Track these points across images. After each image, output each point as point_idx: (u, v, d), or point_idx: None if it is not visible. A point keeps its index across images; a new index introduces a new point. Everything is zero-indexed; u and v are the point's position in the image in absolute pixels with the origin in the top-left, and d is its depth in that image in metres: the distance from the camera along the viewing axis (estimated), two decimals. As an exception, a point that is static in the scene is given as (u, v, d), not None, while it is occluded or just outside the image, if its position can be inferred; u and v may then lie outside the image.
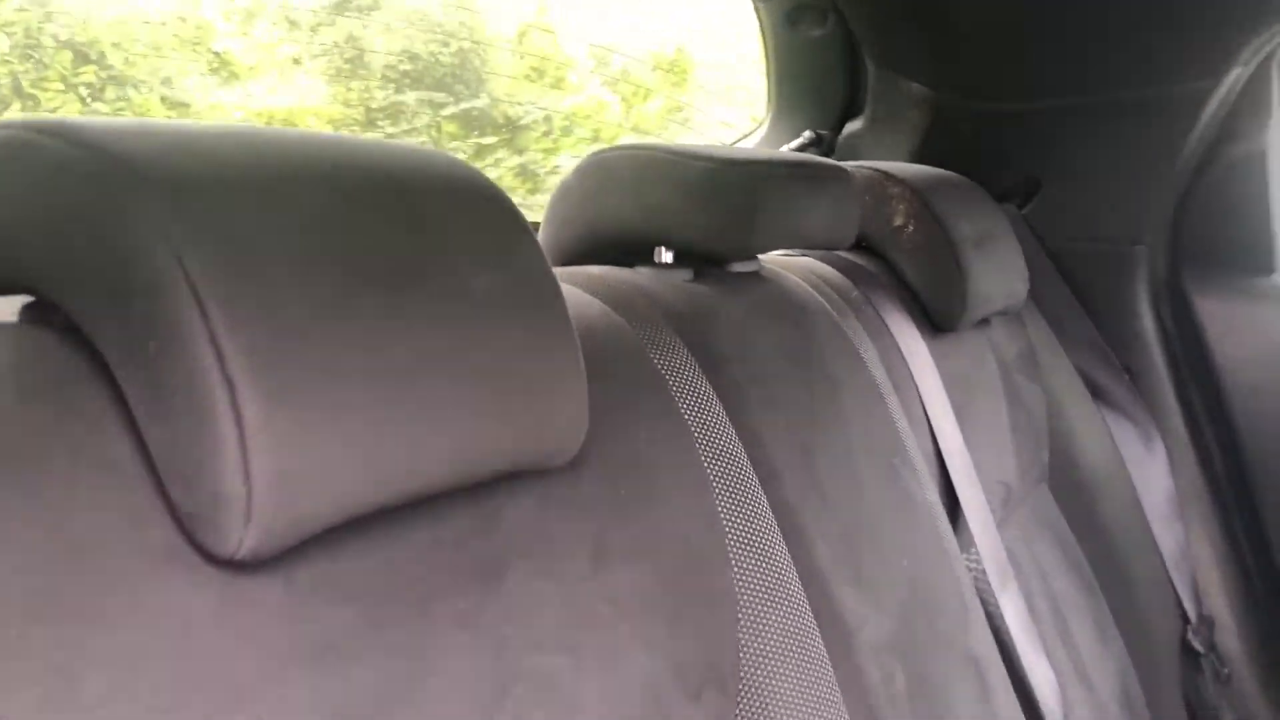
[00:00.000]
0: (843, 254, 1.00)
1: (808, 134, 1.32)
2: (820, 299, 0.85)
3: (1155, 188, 1.26)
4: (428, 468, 0.42)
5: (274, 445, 0.36)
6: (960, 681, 0.76)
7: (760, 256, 0.85)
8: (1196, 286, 1.30)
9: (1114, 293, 1.31)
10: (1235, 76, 1.15)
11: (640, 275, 0.73)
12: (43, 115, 0.40)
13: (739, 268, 0.80)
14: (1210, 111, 1.18)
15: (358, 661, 0.41)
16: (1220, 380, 1.29)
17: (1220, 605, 1.29)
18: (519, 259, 0.47)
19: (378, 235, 0.41)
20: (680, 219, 0.74)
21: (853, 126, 1.32)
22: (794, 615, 0.62)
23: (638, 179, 0.75)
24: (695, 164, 0.73)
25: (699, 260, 0.77)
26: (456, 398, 0.42)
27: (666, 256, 0.77)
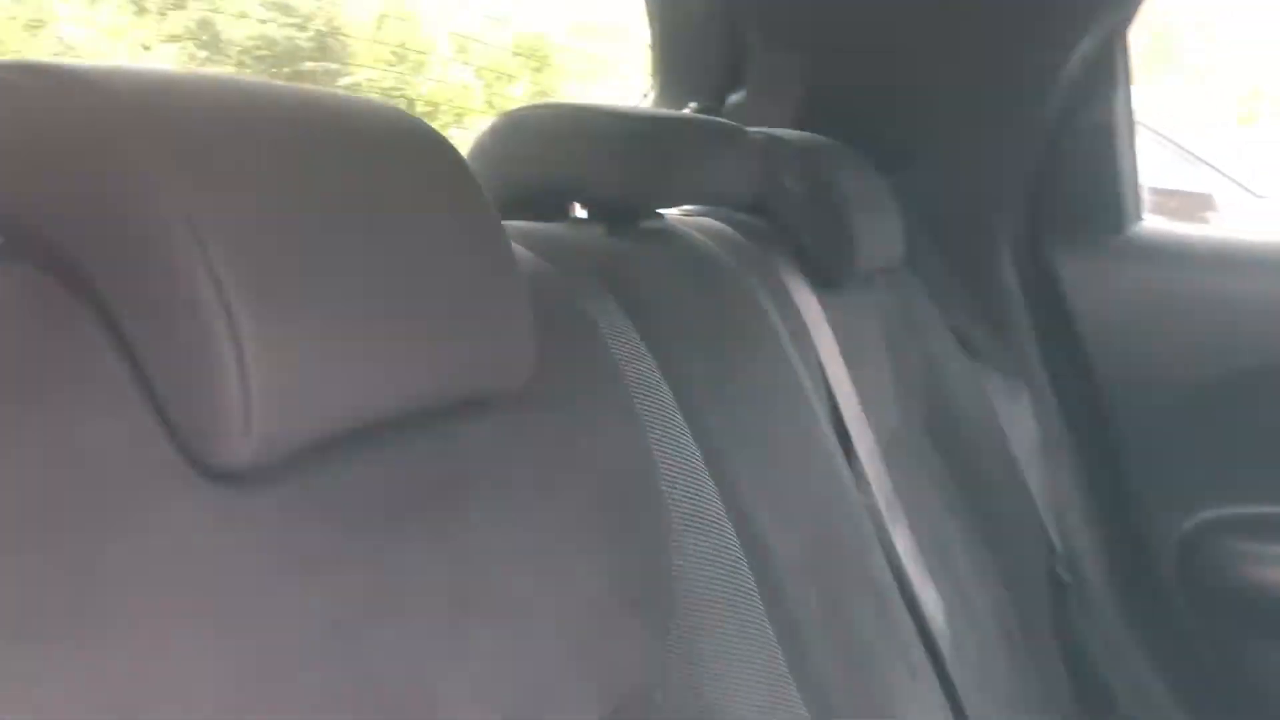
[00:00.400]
0: (737, 215, 1.05)
1: (693, 105, 1.37)
2: (723, 254, 0.89)
3: (1016, 154, 1.35)
4: (399, 388, 0.45)
5: (268, 362, 0.38)
6: (864, 602, 0.82)
7: (665, 213, 0.89)
8: (1055, 246, 1.40)
9: (980, 254, 1.40)
10: (1085, 49, 1.25)
11: (559, 229, 0.77)
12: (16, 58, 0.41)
13: (648, 224, 0.84)
14: (1064, 82, 1.27)
15: (342, 571, 0.44)
16: (1079, 333, 1.40)
17: (1083, 539, 1.40)
18: (467, 199, 0.51)
19: (344, 174, 0.44)
20: (594, 174, 0.78)
21: (735, 98, 1.37)
22: (721, 537, 0.67)
23: (552, 136, 0.78)
24: (609, 120, 0.77)
25: (611, 216, 0.81)
26: (421, 325, 0.45)
27: (581, 212, 0.80)
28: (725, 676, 0.64)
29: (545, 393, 0.58)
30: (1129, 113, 1.39)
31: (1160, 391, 1.39)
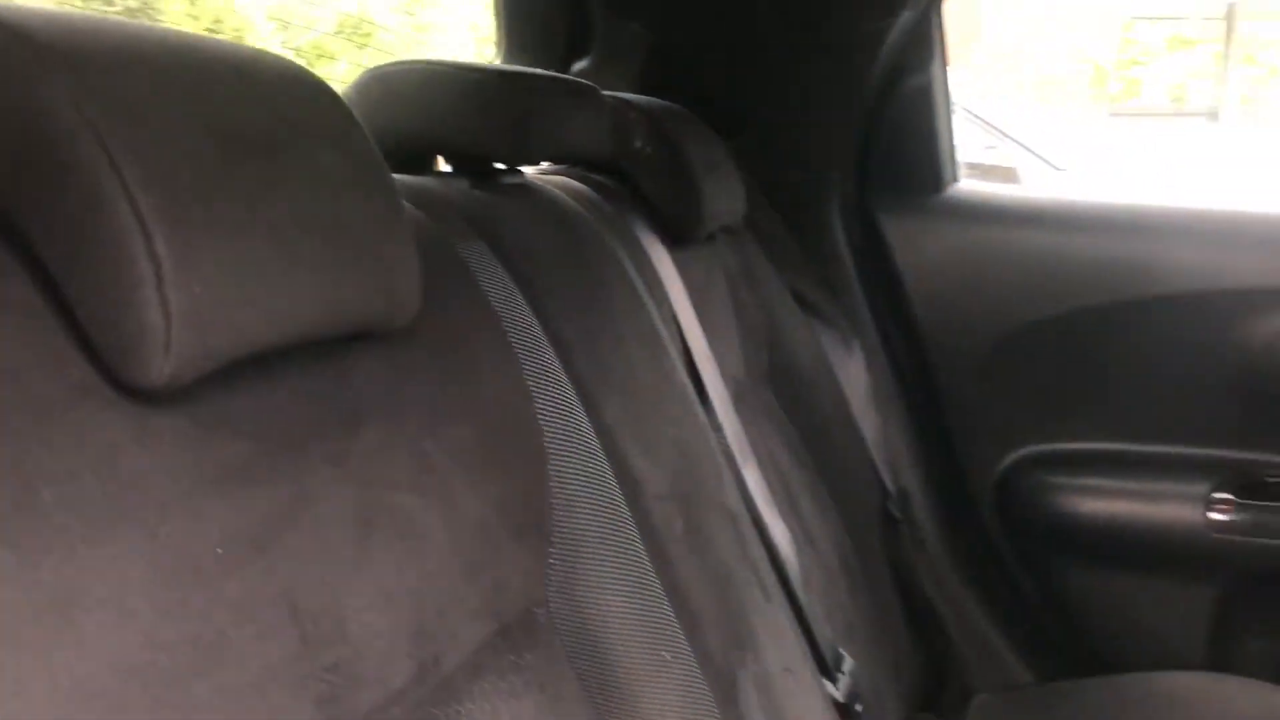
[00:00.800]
0: (590, 174, 1.09)
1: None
2: (580, 209, 0.93)
3: (844, 119, 1.44)
4: (303, 313, 0.47)
5: (186, 283, 0.40)
6: (723, 531, 0.87)
7: (524, 171, 0.93)
8: (880, 206, 1.49)
9: (813, 215, 1.49)
10: (906, 19, 1.34)
11: (426, 181, 0.79)
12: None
13: (509, 179, 0.87)
14: (887, 49, 1.36)
15: (256, 488, 0.46)
16: (903, 287, 1.50)
17: (912, 480, 1.50)
18: (353, 141, 0.53)
19: (246, 114, 0.47)
20: (458, 129, 0.81)
21: (579, 66, 1.41)
22: (595, 468, 0.71)
23: (416, 91, 0.80)
24: (472, 76, 0.80)
25: (474, 170, 0.84)
26: (320, 255, 0.48)
27: (444, 166, 0.82)
28: (604, 596, 0.69)
29: (428, 332, 0.61)
30: (945, 82, 1.50)
31: (977, 341, 1.51)
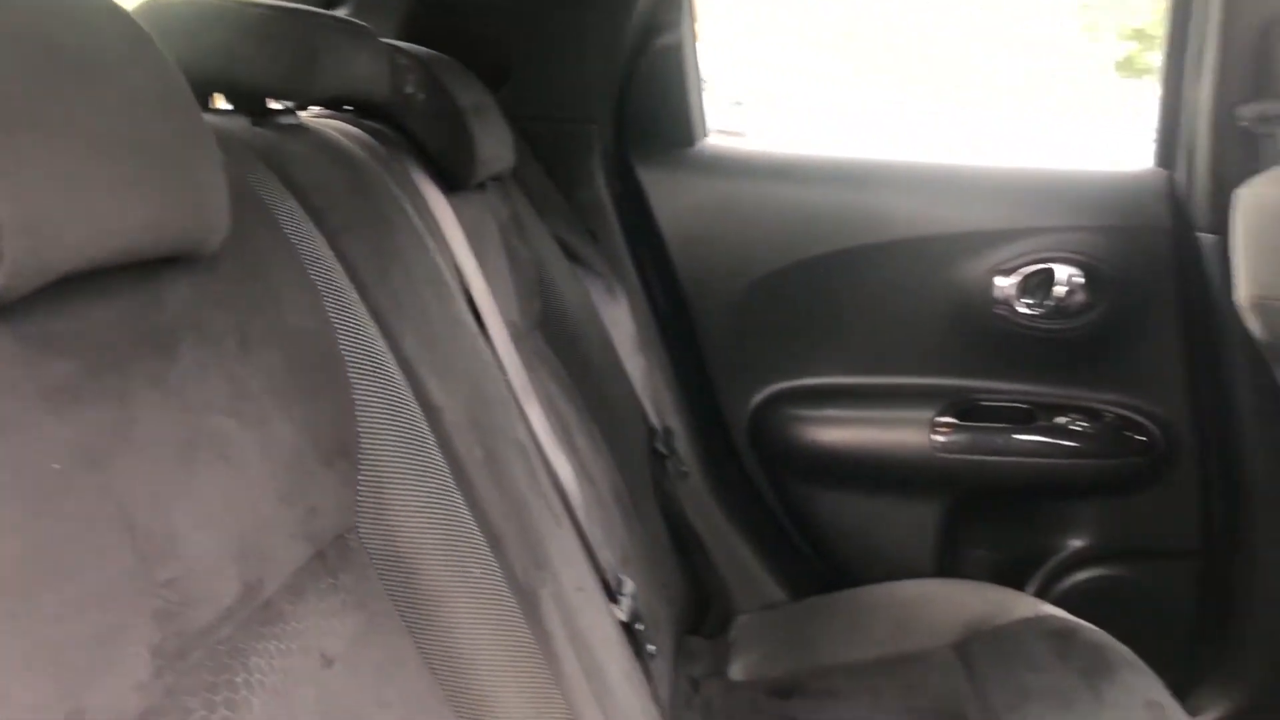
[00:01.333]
0: (364, 120, 1.09)
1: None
2: (360, 152, 0.94)
3: (602, 73, 1.49)
4: (126, 230, 0.47)
5: (13, 197, 0.40)
6: (515, 460, 0.91)
7: (300, 115, 0.92)
8: (638, 158, 1.56)
9: (575, 166, 1.53)
10: (659, -21, 1.41)
11: (209, 117, 0.77)
12: None
13: (287, 120, 0.87)
14: (640, 7, 1.42)
15: (83, 407, 0.46)
16: (661, 236, 1.58)
17: (675, 418, 1.59)
18: (156, 64, 0.53)
19: (55, 35, 0.46)
20: (238, 65, 0.79)
21: (340, 12, 1.39)
22: (398, 397, 0.73)
23: (195, 27, 0.78)
24: (254, 11, 0.78)
25: (253, 108, 0.83)
26: (139, 173, 0.49)
27: (224, 104, 0.81)
28: (413, 519, 0.71)
29: (230, 261, 0.61)
30: (693, 41, 1.58)
31: (730, 286, 1.61)
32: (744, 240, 1.62)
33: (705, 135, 1.64)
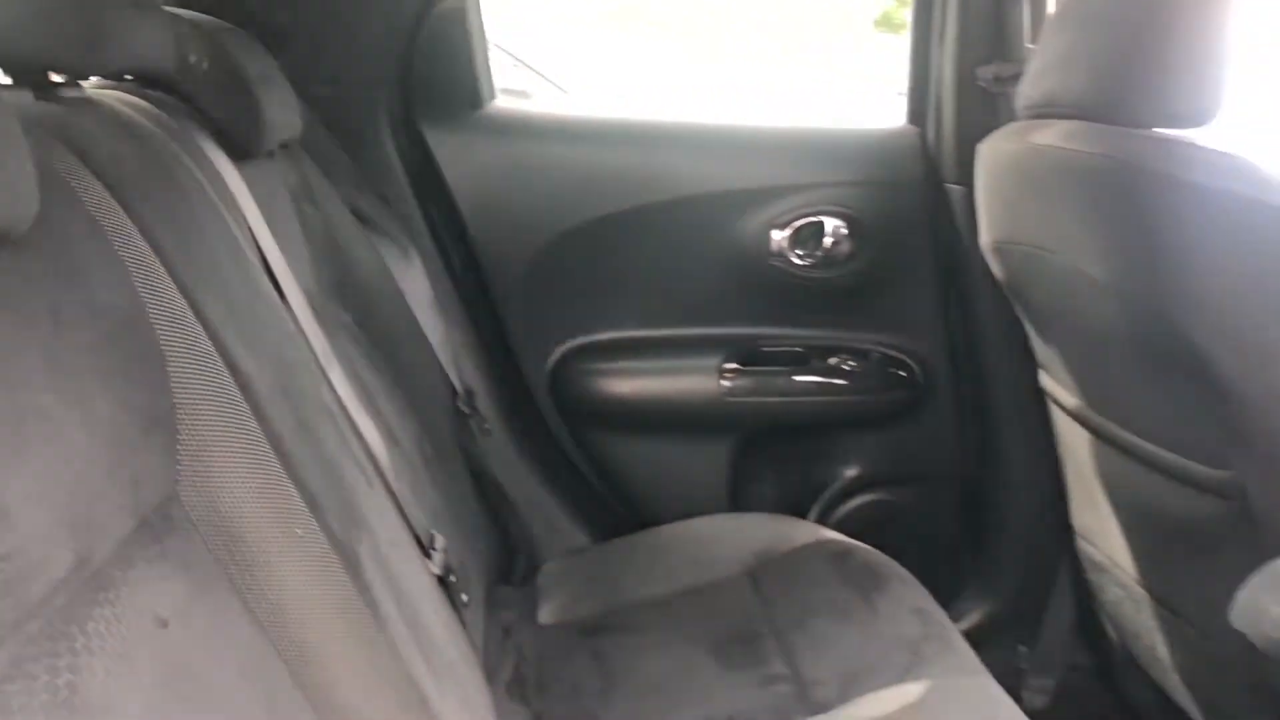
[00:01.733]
0: (148, 91, 1.07)
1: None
2: (147, 123, 0.93)
3: (386, 37, 1.50)
4: None
5: None
6: (326, 425, 0.93)
7: (83, 86, 0.90)
8: (426, 122, 1.58)
9: (363, 131, 1.54)
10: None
11: (-11, 93, 0.76)
12: None
13: (70, 93, 0.85)
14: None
15: None
16: (453, 198, 1.61)
17: (475, 378, 1.63)
18: None
19: None
20: (19, 37, 0.78)
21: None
22: (210, 367, 0.75)
23: (-33, -2, 0.76)
24: (31, -17, 0.77)
25: (34, 82, 0.81)
26: None
27: (4, 79, 0.79)
28: (234, 484, 0.73)
29: (37, 240, 0.62)
30: (478, 3, 1.60)
31: (524, 247, 1.66)
32: (534, 201, 1.67)
33: (493, 98, 1.67)
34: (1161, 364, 1.16)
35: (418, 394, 1.42)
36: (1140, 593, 1.40)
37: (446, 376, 1.55)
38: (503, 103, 1.69)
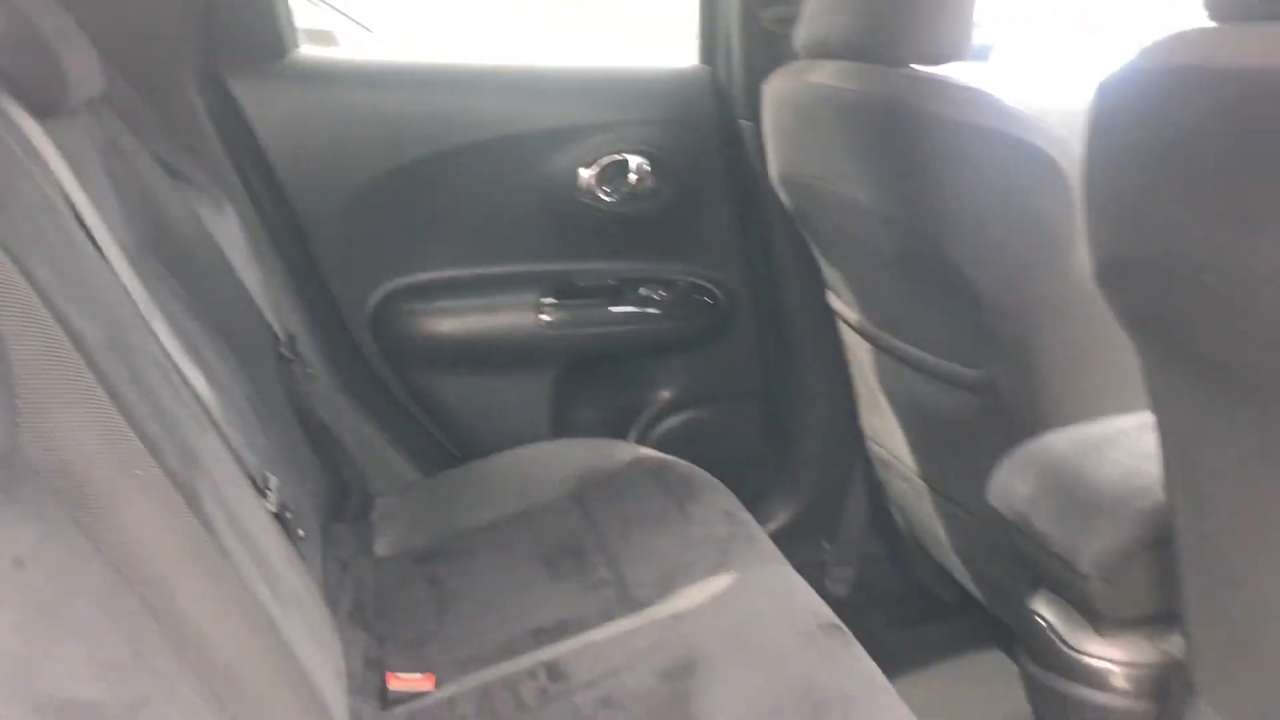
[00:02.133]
0: None
1: None
2: None
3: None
4: None
5: None
6: (157, 377, 0.97)
7: None
8: (231, 72, 1.58)
9: (167, 84, 1.53)
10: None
11: None
12: None
13: None
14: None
15: None
16: (262, 147, 1.62)
17: (297, 323, 1.66)
18: None
19: None
20: None
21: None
22: (43, 325, 0.78)
23: None
24: None
25: None
26: None
27: None
28: (76, 434, 0.77)
29: None
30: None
31: (338, 192, 1.69)
32: (345, 147, 1.70)
33: (296, 46, 1.68)
34: (925, 281, 1.31)
35: (240, 342, 1.45)
36: (920, 484, 1.58)
37: (268, 324, 1.57)
38: (307, 50, 1.70)
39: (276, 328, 1.59)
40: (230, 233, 1.57)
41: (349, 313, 1.76)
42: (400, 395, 1.82)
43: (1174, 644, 1.09)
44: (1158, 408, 0.93)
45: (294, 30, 1.67)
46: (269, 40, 1.62)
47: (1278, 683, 0.90)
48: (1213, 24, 0.74)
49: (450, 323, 1.81)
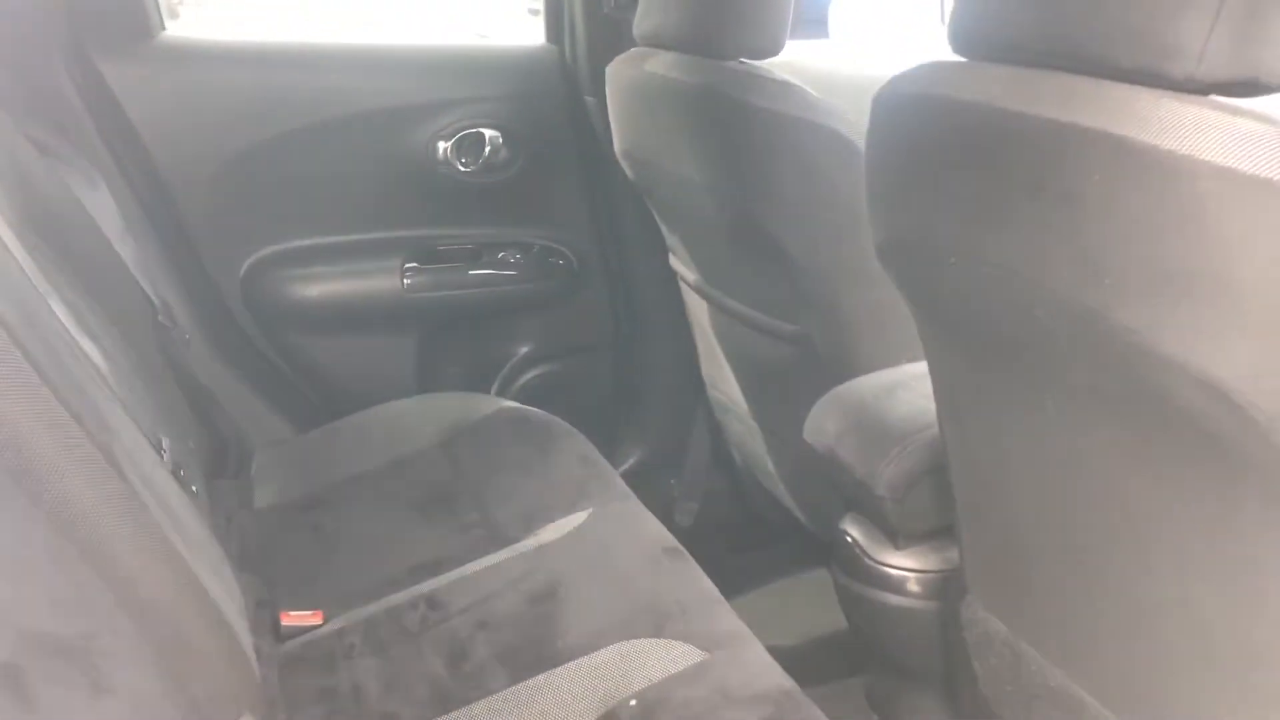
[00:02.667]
0: None
1: None
2: None
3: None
4: None
5: None
6: (63, 350, 1.06)
7: None
8: (99, 51, 1.65)
9: (35, 64, 1.58)
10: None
11: None
12: None
13: None
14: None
15: None
16: (133, 125, 1.69)
17: (172, 293, 1.74)
18: None
19: None
20: None
21: None
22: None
23: None
24: None
25: None
26: None
27: None
28: (10, 411, 0.88)
29: None
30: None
31: (208, 166, 1.77)
32: (211, 124, 1.78)
33: (164, 28, 1.74)
34: (749, 247, 1.50)
35: (121, 313, 1.52)
36: (752, 424, 1.78)
37: (144, 293, 1.65)
38: (175, 32, 1.77)
39: (152, 297, 1.67)
40: (104, 207, 1.63)
41: (221, 280, 1.85)
42: (273, 357, 1.92)
43: (954, 554, 1.30)
44: (930, 360, 1.13)
45: (160, 12, 1.74)
46: (134, 20, 1.68)
47: (1027, 580, 1.12)
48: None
49: (319, 287, 1.92)
